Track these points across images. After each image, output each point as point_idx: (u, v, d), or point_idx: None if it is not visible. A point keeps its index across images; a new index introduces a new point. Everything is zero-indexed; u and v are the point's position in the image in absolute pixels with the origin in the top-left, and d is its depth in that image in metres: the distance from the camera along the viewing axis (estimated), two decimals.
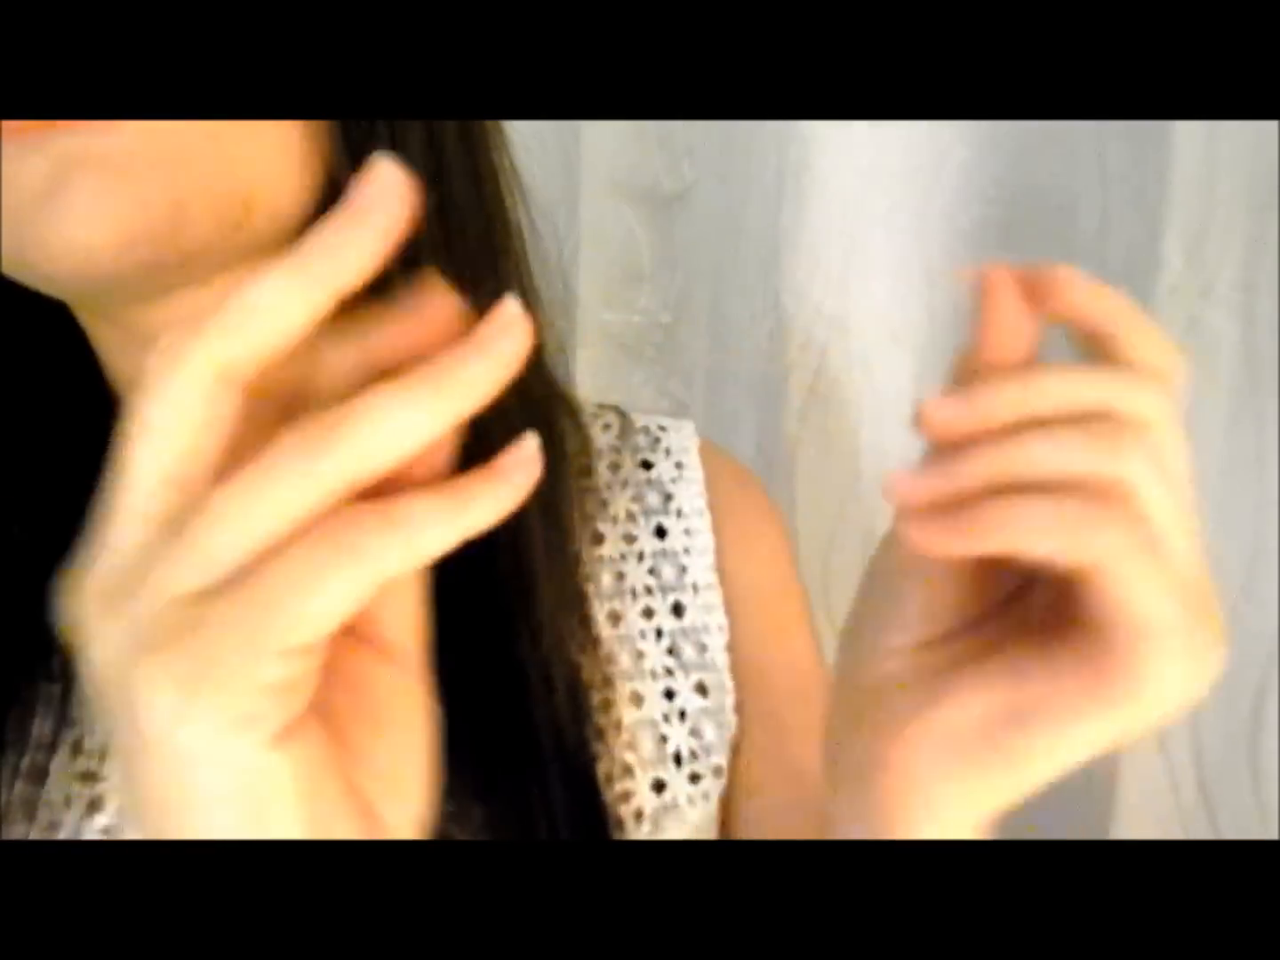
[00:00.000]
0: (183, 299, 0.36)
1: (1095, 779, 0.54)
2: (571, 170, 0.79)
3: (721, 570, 0.45)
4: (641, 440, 0.47)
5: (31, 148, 0.31)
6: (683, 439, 0.47)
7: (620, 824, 0.38)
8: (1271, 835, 0.48)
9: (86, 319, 0.39)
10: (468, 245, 0.38)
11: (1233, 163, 0.47)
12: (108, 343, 0.39)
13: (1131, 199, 0.51)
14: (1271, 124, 0.46)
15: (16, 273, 0.34)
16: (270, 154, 0.34)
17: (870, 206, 0.62)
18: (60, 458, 0.40)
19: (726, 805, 0.43)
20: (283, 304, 0.25)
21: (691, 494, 0.46)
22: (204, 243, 0.33)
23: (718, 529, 0.45)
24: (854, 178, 0.62)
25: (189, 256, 0.33)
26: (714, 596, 0.44)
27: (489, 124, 0.40)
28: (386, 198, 0.25)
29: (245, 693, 0.22)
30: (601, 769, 0.39)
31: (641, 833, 0.39)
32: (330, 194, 0.36)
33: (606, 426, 0.47)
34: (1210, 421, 0.49)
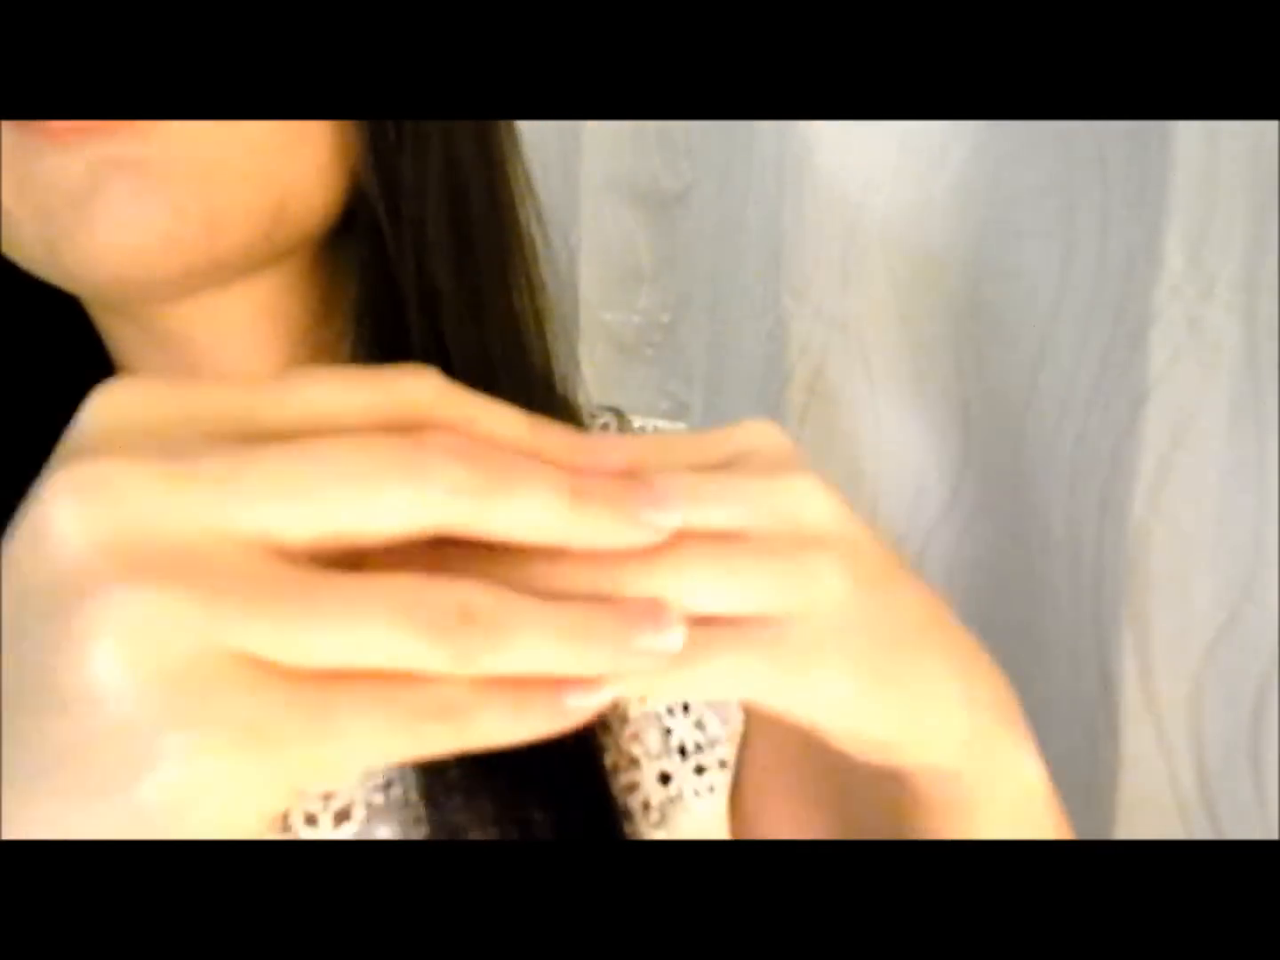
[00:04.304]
0: (206, 300, 0.36)
1: (1095, 779, 0.54)
2: (571, 170, 0.79)
3: None
4: None
5: (68, 150, 0.31)
6: None
7: (629, 815, 0.39)
8: (1273, 835, 0.48)
9: (102, 315, 0.39)
10: (479, 253, 0.39)
11: (1233, 163, 0.47)
12: (124, 339, 0.39)
13: (1131, 199, 0.51)
14: (1271, 124, 0.46)
15: (46, 272, 0.34)
16: (302, 164, 0.34)
17: (870, 206, 0.62)
18: None
19: (735, 800, 0.43)
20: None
21: None
22: (236, 249, 0.34)
23: None
24: (854, 178, 0.62)
25: (221, 262, 0.34)
26: None
27: (505, 131, 0.41)
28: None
29: None
30: (607, 761, 0.39)
31: (649, 823, 0.39)
32: (354, 200, 0.36)
33: (605, 427, 0.47)
34: (1211, 422, 0.49)
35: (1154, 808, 0.52)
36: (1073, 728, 0.56)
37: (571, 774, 0.37)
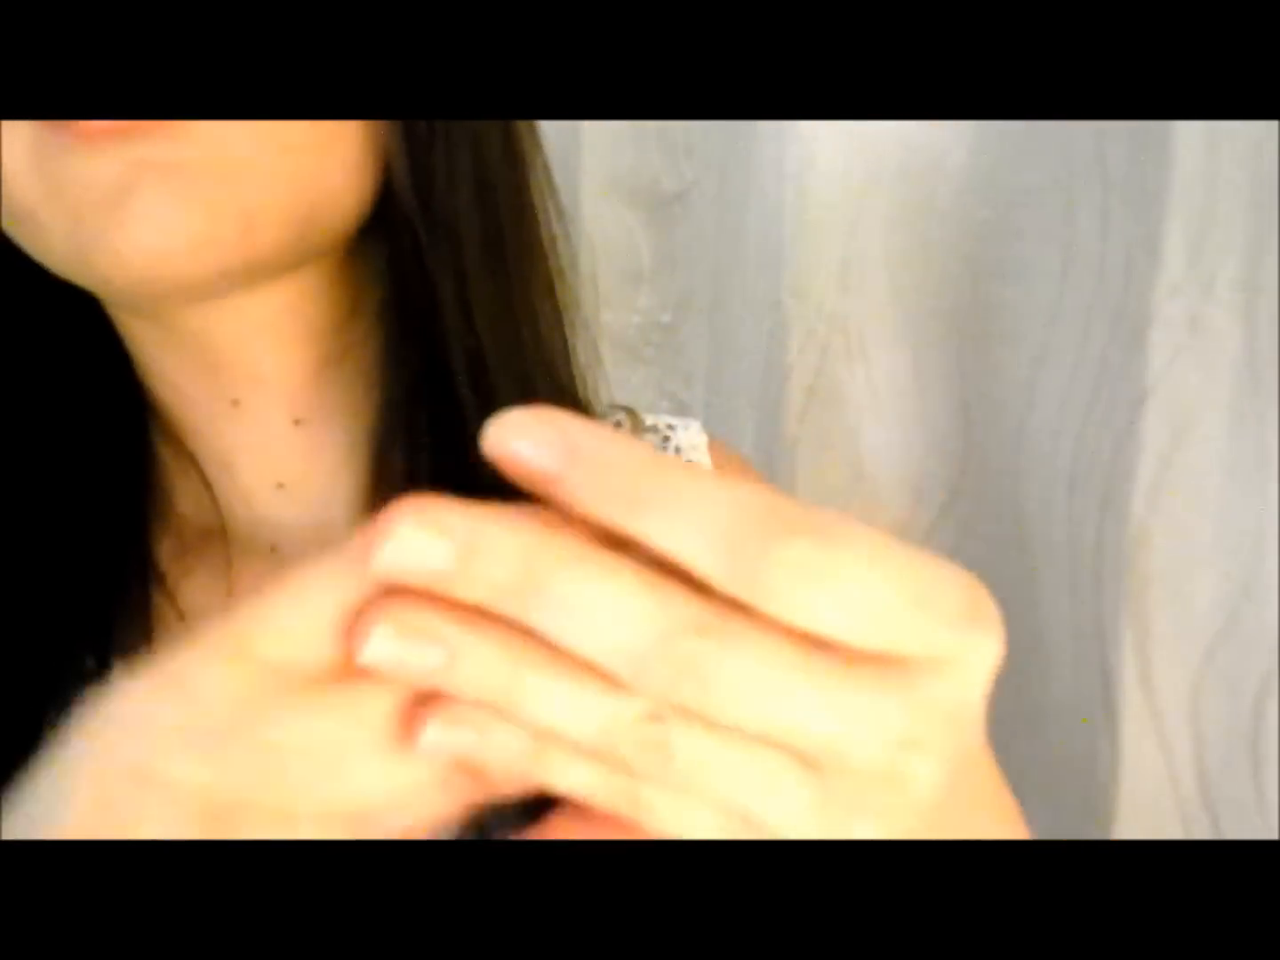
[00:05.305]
0: (232, 302, 0.36)
1: (1095, 779, 0.54)
2: (571, 170, 0.79)
3: None
4: (651, 438, 0.47)
5: (101, 151, 0.31)
6: (691, 436, 0.48)
7: None
8: (1273, 835, 0.48)
9: (123, 316, 0.39)
10: (508, 250, 0.39)
11: (1233, 163, 0.47)
12: (147, 341, 0.39)
13: (1131, 199, 0.51)
14: (1271, 124, 0.46)
15: (75, 275, 0.34)
16: (335, 165, 0.34)
17: (870, 206, 0.62)
18: (92, 456, 0.40)
19: None
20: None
21: None
22: (269, 251, 0.34)
23: None
24: (854, 178, 0.62)
25: (253, 264, 0.34)
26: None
27: (527, 128, 0.41)
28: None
29: None
30: None
31: None
32: (386, 202, 0.36)
33: (618, 424, 0.48)
34: (1211, 421, 0.49)
35: (1154, 808, 0.52)
36: (1073, 728, 0.56)
37: None
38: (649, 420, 0.48)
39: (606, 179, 0.79)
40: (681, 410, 0.80)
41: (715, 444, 0.48)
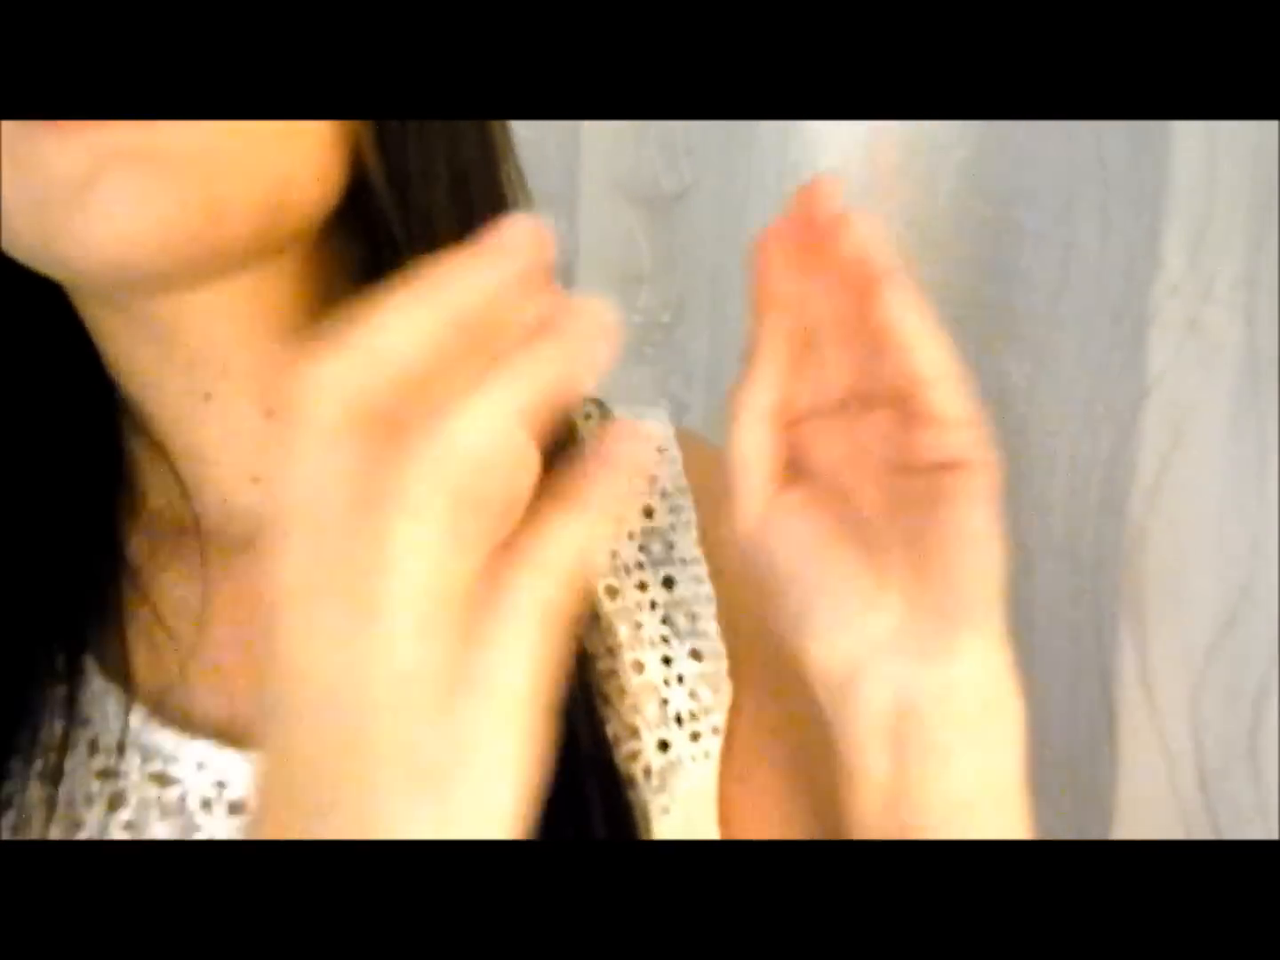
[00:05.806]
0: (201, 293, 0.36)
1: (1095, 779, 0.54)
2: (571, 170, 0.79)
3: (706, 544, 0.46)
4: None
5: (67, 139, 0.31)
6: (659, 425, 0.48)
7: (631, 781, 0.40)
8: (1272, 835, 0.48)
9: (90, 307, 0.39)
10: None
11: (1233, 163, 0.47)
12: (114, 332, 0.39)
13: (1131, 199, 0.51)
14: (1271, 124, 0.46)
15: (40, 262, 0.33)
16: (305, 155, 0.34)
17: (870, 206, 0.62)
18: (63, 452, 0.40)
19: (726, 762, 0.44)
20: (408, 332, 0.26)
21: (673, 474, 0.47)
22: (237, 240, 0.33)
23: (700, 505, 0.47)
24: (854, 178, 0.62)
25: (221, 253, 0.33)
26: (701, 569, 0.46)
27: (500, 130, 0.41)
28: (521, 242, 0.28)
29: None
30: (610, 731, 0.40)
31: (650, 788, 0.40)
32: (359, 194, 0.36)
33: (588, 416, 0.48)
34: (1211, 421, 0.49)
35: (1154, 808, 0.52)
36: (1073, 728, 0.56)
37: (582, 750, 0.38)
38: (617, 411, 0.49)
39: (606, 179, 0.79)
40: (681, 410, 0.80)
41: (683, 431, 0.49)
